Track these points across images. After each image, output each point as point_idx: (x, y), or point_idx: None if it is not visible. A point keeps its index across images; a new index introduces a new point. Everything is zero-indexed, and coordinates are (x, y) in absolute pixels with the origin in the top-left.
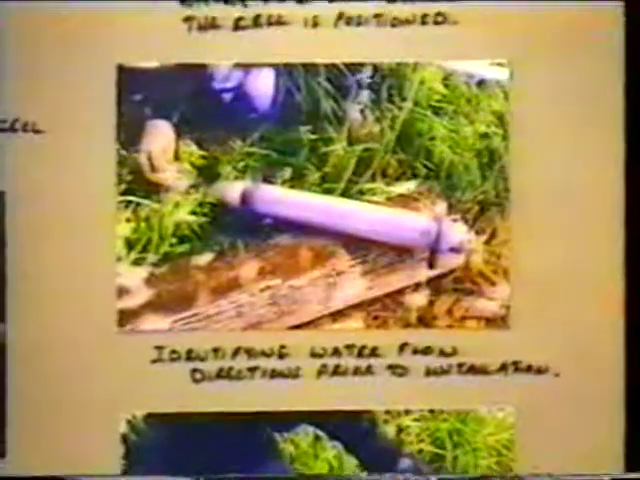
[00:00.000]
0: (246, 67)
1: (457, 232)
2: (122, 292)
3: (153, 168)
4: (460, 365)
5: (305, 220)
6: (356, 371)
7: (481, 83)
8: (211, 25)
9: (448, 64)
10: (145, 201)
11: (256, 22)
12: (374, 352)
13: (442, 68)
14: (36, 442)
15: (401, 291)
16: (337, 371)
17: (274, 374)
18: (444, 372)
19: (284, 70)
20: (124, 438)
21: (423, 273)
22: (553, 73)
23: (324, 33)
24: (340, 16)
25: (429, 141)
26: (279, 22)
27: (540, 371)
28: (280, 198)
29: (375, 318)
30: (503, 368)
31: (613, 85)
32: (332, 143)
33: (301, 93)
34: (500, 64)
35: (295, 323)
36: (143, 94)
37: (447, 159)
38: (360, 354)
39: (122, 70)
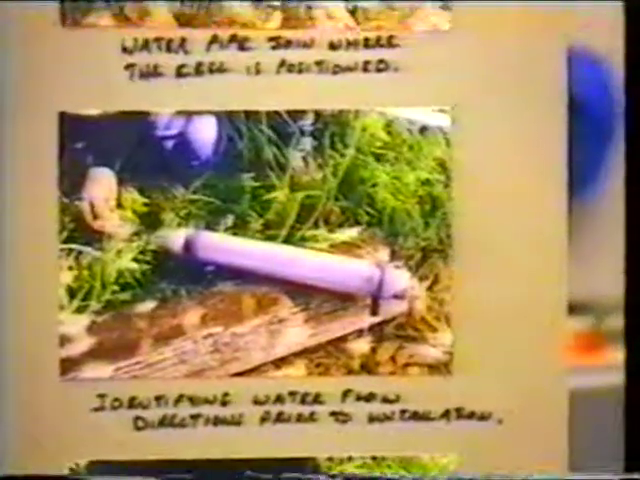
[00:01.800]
0: (188, 114)
1: (400, 279)
2: (64, 340)
3: (95, 216)
4: (403, 412)
5: (248, 267)
6: (299, 418)
7: (423, 130)
8: (153, 72)
9: (390, 111)
10: (87, 249)
11: (198, 69)
12: (317, 399)
13: (384, 115)
14: None
15: (344, 338)
16: (280, 418)
17: (217, 421)
18: (387, 419)
19: (226, 117)
20: None
21: (366, 320)
22: (495, 120)
23: (266, 80)
24: (282, 63)
25: (371, 188)
26: (221, 69)
27: (483, 417)
28: (222, 245)
29: (318, 365)
30: (446, 414)
31: (556, 131)
32: (274, 190)
33: (243, 140)
34: (442, 111)
35: (238, 370)
36: (85, 142)
37: (389, 206)
38: (303, 401)
39: (64, 117)
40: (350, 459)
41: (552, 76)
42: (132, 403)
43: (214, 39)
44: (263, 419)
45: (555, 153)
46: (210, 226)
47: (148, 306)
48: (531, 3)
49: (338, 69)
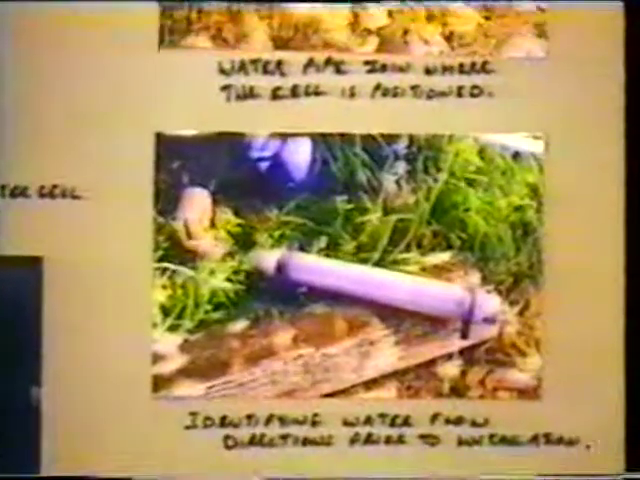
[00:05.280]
0: (283, 136)
1: (490, 303)
2: (157, 358)
3: (189, 235)
4: (492, 436)
5: (339, 289)
6: (388, 440)
7: (516, 155)
8: (249, 94)
9: (484, 136)
10: (181, 268)
11: (294, 92)
12: (406, 421)
13: (478, 140)
14: None
15: (434, 361)
16: (369, 440)
17: (306, 442)
18: (475, 442)
19: (321, 140)
20: None
21: (456, 343)
22: (588, 148)
23: (361, 104)
24: (377, 87)
25: (464, 212)
26: (317, 92)
27: (571, 443)
28: (315, 267)
29: (408, 388)
30: (534, 439)
31: None
32: (367, 213)
33: (337, 163)
34: (535, 137)
35: (328, 391)
36: (181, 162)
37: (481, 230)
38: (392, 423)
39: (160, 138)
40: None
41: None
42: (223, 422)
43: (310, 62)
44: (352, 440)
45: None
46: (303, 247)
47: (240, 326)
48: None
49: (433, 94)
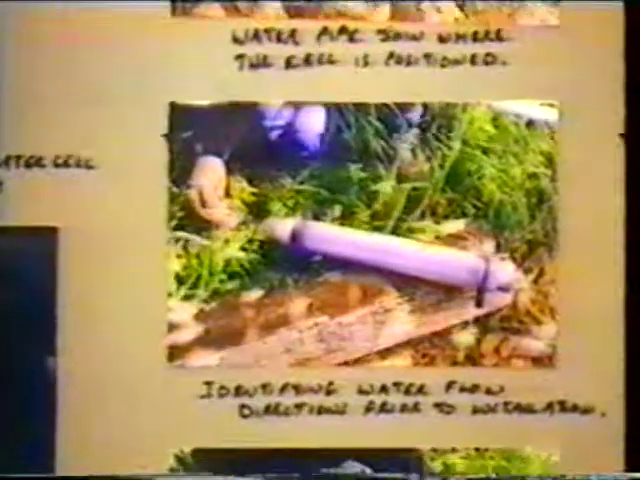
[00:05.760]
0: (297, 105)
1: (505, 271)
2: (172, 327)
3: (204, 204)
4: (506, 404)
5: (354, 258)
6: (403, 408)
7: (530, 123)
8: (263, 63)
9: (497, 104)
10: (196, 237)
11: (307, 60)
12: (421, 390)
13: (491, 108)
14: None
15: (449, 329)
16: (384, 408)
17: (321, 410)
18: (490, 410)
19: (334, 108)
20: (172, 472)
21: (471, 311)
22: (602, 115)
23: (374, 72)
24: (391, 55)
25: (478, 180)
26: (330, 61)
27: (586, 411)
28: (329, 235)
29: (423, 356)
30: (549, 407)
31: None
32: (381, 181)
33: (351, 131)
34: (549, 105)
35: (343, 360)
36: (194, 131)
37: (496, 198)
38: (407, 391)
39: (174, 107)
40: (453, 450)
41: None
42: (238, 391)
43: (324, 31)
44: (367, 409)
45: None
46: (317, 216)
47: (255, 295)
48: None
49: (446, 62)
